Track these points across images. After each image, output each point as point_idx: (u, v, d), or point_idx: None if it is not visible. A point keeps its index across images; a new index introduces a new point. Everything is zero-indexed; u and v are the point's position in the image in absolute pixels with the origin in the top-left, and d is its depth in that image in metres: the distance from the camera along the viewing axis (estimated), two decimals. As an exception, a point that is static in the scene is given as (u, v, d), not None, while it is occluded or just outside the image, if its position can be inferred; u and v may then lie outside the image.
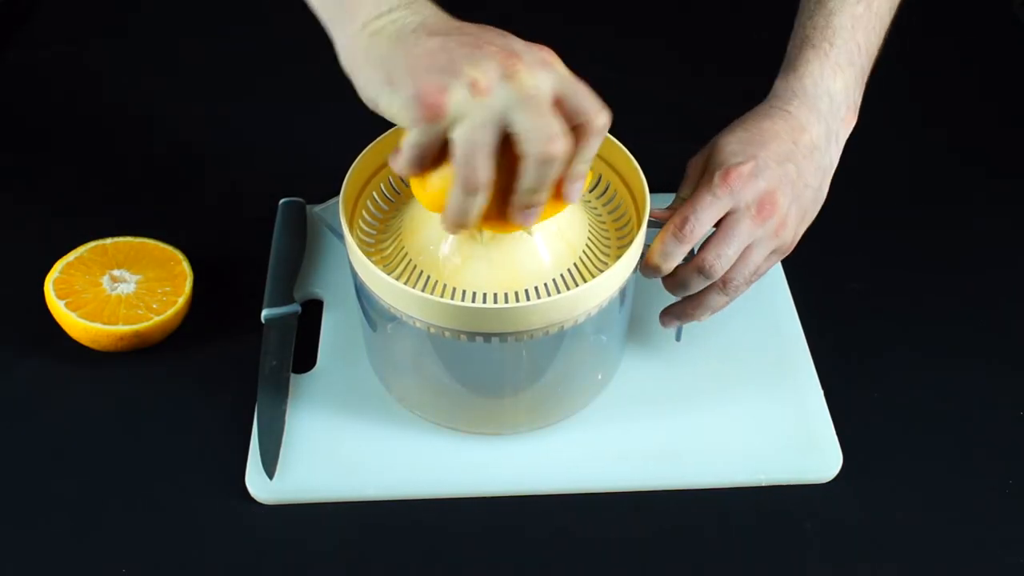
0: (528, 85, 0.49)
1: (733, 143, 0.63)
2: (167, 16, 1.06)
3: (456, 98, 0.50)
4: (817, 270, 0.79)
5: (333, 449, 0.66)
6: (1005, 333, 0.76)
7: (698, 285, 0.63)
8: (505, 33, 0.53)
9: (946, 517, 0.65)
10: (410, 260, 0.61)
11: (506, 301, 0.59)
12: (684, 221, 0.61)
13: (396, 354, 0.66)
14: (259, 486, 0.64)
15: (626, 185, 0.66)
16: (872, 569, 0.62)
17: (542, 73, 0.50)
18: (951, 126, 0.94)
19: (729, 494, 0.65)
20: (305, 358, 0.72)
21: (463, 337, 0.58)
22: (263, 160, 0.89)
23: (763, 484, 0.66)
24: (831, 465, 0.66)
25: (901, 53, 1.02)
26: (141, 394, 0.71)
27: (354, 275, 0.62)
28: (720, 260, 0.61)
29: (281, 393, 0.69)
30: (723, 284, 0.63)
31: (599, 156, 0.66)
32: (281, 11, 1.07)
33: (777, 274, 0.78)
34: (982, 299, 0.78)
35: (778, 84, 0.67)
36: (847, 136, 0.68)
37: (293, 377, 0.70)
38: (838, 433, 0.68)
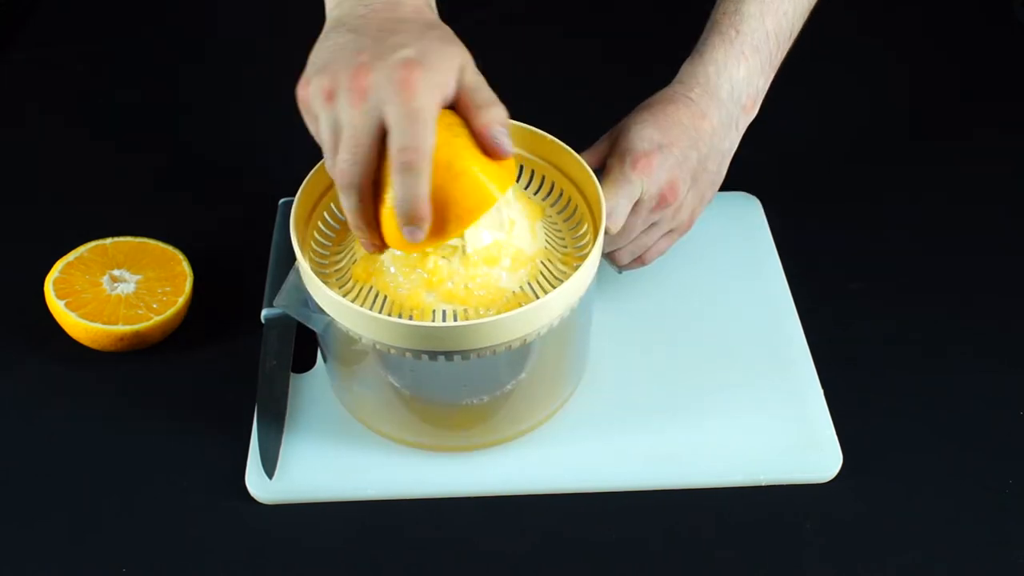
0: (361, 110, 0.51)
1: (641, 128, 0.66)
2: (168, 16, 1.06)
3: (312, 95, 0.53)
4: (817, 270, 0.79)
5: (333, 449, 0.66)
6: (1005, 333, 0.75)
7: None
8: (422, 35, 0.53)
9: (946, 517, 0.65)
10: (364, 282, 0.60)
11: (463, 318, 0.58)
12: (609, 214, 0.63)
13: (364, 379, 0.65)
14: (259, 486, 0.64)
15: (582, 194, 0.65)
16: (872, 569, 0.62)
17: (383, 96, 0.51)
18: (952, 127, 0.94)
19: (729, 494, 0.65)
20: (305, 358, 0.72)
21: (424, 357, 0.57)
22: (263, 160, 0.89)
23: (763, 484, 0.65)
24: (831, 465, 0.66)
25: (902, 53, 1.03)
26: (141, 394, 0.71)
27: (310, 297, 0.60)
28: (620, 252, 0.70)
29: (281, 393, 0.69)
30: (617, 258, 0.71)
31: (552, 164, 0.66)
32: (282, 10, 1.07)
33: (777, 274, 0.78)
34: (982, 300, 0.78)
35: (684, 68, 0.70)
36: (748, 122, 0.70)
37: (293, 377, 0.70)
38: (838, 433, 0.68)
